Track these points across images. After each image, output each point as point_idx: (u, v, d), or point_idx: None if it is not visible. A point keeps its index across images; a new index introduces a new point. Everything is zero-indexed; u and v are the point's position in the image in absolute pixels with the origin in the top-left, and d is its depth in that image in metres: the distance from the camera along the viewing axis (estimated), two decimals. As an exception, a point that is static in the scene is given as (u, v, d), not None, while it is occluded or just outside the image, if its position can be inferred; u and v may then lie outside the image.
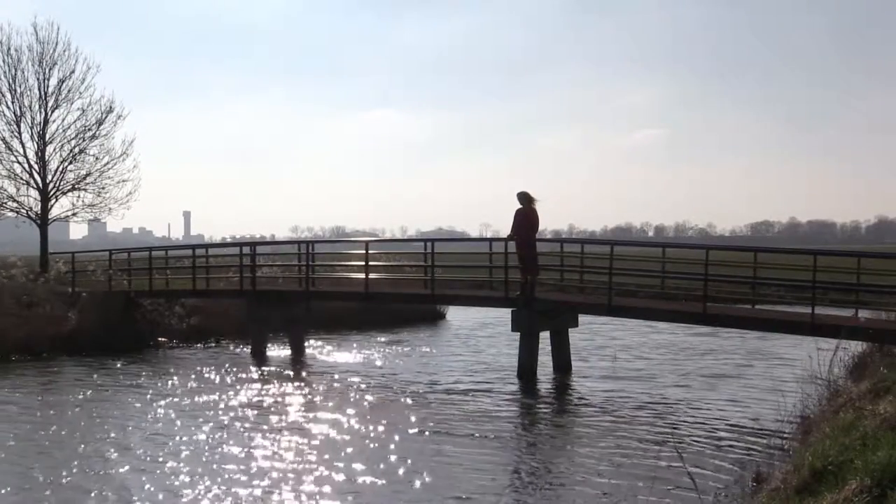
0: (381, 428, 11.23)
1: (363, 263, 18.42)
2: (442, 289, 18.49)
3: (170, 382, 15.28)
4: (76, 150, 26.61)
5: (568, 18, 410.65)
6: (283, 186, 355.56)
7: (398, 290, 19.92)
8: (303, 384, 15.01)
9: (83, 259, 26.64)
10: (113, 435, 11.04)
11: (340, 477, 8.92)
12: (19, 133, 26.25)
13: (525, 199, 15.19)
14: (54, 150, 26.52)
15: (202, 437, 10.84)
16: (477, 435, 10.83)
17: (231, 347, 20.66)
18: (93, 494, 8.36)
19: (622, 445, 10.19)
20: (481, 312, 26.23)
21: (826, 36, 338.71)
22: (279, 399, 13.58)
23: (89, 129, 26.66)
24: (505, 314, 16.83)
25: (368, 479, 8.79)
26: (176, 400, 13.51)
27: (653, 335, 21.43)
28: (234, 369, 16.85)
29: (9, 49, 25.93)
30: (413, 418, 11.89)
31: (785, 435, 9.37)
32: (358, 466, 9.28)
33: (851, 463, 5.59)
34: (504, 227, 17.16)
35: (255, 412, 12.44)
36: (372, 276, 18.69)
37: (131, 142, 27.49)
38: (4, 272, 24.30)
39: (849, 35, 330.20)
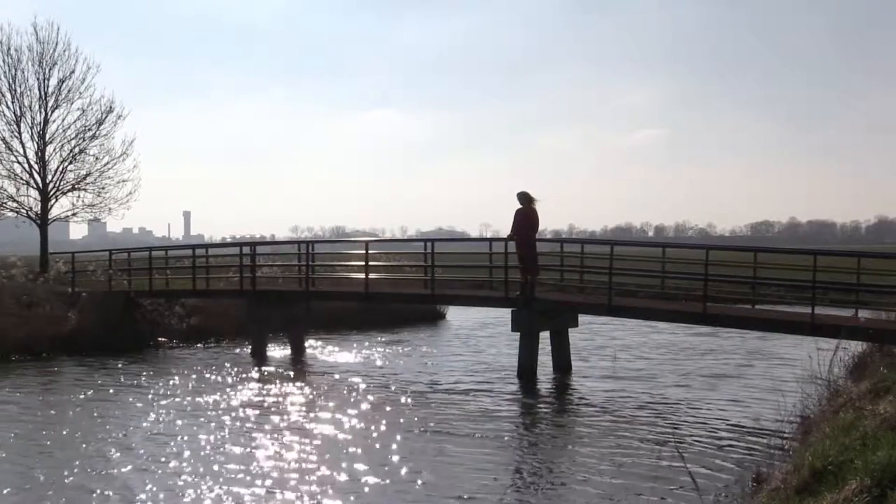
0: (382, 428, 11.25)
1: (363, 263, 18.43)
2: (442, 289, 18.50)
3: (170, 382, 15.29)
4: (76, 150, 26.64)
5: (568, 18, 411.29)
6: (283, 186, 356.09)
7: (398, 290, 19.93)
8: (303, 384, 15.02)
9: (83, 259, 26.66)
10: (114, 435, 11.06)
11: (343, 477, 8.93)
12: (19, 133, 26.28)
13: (525, 199, 15.21)
14: (54, 150, 26.56)
15: (203, 436, 10.85)
16: (478, 435, 10.85)
17: (231, 347, 20.66)
18: (95, 494, 8.37)
19: (623, 445, 10.21)
20: (481, 312, 26.24)
21: (826, 36, 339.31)
22: (280, 399, 13.59)
23: (89, 129, 26.68)
24: (505, 314, 16.85)
25: (370, 479, 8.80)
26: (177, 400, 13.53)
27: (653, 335, 21.45)
28: (235, 369, 16.86)
29: (9, 49, 25.96)
30: (414, 418, 11.90)
31: (785, 435, 9.38)
32: (360, 466, 9.30)
33: (851, 463, 5.60)
34: (504, 227, 17.21)
35: (256, 412, 12.46)
36: (372, 276, 18.70)
37: (131, 142, 27.55)
38: (4, 272, 24.32)
39: (849, 35, 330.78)
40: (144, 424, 11.70)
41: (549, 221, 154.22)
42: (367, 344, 20.93)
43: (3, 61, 25.86)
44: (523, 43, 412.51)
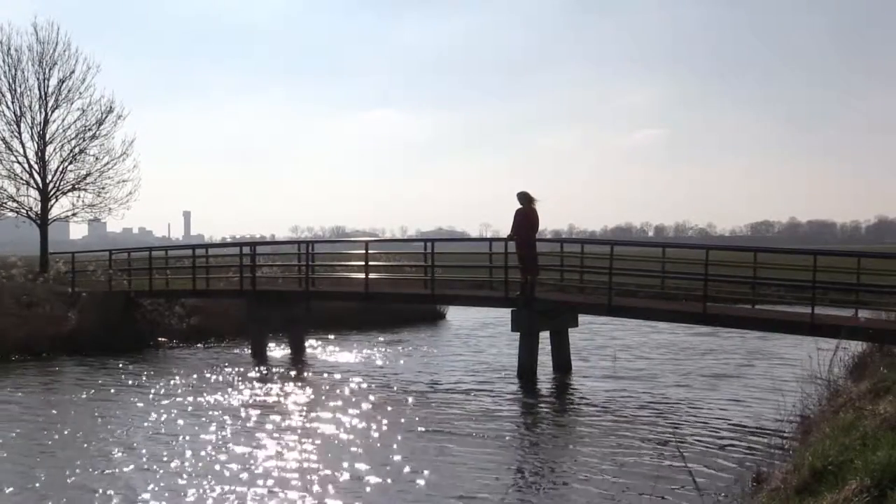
0: (383, 427, 11.28)
1: (363, 263, 18.45)
2: (442, 289, 18.51)
3: (171, 382, 15.31)
4: (76, 150, 26.67)
5: (568, 18, 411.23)
6: (283, 186, 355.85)
7: (398, 290, 19.94)
8: (303, 384, 15.04)
9: (83, 259, 26.66)
10: (116, 434, 11.07)
11: (344, 476, 8.95)
12: (19, 133, 26.32)
13: (525, 199, 15.23)
14: (54, 150, 26.59)
15: (205, 436, 10.87)
16: (479, 434, 10.87)
17: (231, 347, 20.68)
18: (97, 494, 8.39)
19: (624, 445, 10.24)
20: (481, 312, 26.26)
21: (826, 36, 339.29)
22: (280, 399, 13.61)
23: (89, 129, 26.71)
24: (505, 314, 16.86)
25: (372, 479, 8.82)
26: (178, 400, 13.54)
27: (653, 335, 21.47)
28: (235, 369, 16.87)
29: (9, 49, 26.00)
30: (415, 418, 11.92)
31: (785, 435, 9.41)
32: (361, 466, 9.32)
33: (851, 463, 5.62)
34: (504, 227, 17.22)
35: (257, 412, 12.47)
36: (372, 276, 18.71)
37: (131, 142, 27.59)
38: (4, 272, 24.32)
39: (849, 35, 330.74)
40: (146, 424, 11.72)
41: (549, 221, 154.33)
42: (367, 344, 20.95)
43: (4, 61, 25.94)
44: (523, 43, 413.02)
